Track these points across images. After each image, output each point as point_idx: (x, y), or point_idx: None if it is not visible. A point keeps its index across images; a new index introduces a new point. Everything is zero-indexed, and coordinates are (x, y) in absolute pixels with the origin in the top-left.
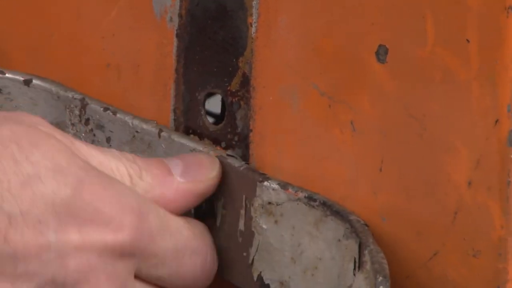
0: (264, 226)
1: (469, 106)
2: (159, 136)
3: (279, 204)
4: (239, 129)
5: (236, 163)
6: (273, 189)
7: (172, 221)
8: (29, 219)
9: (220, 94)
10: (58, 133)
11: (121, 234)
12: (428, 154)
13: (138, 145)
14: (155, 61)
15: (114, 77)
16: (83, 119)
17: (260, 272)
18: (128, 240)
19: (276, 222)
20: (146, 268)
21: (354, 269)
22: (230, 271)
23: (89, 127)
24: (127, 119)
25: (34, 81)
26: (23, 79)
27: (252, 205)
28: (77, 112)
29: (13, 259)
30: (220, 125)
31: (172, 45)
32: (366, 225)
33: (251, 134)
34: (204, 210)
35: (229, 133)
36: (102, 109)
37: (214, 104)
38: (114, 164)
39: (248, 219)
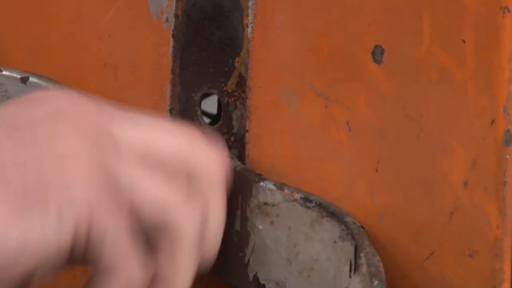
0: (260, 227)
1: (465, 106)
2: None
3: (275, 205)
4: (235, 129)
5: (232, 163)
6: (269, 190)
7: None
8: None
9: (216, 95)
10: None
11: None
12: (424, 154)
13: None
14: (151, 61)
15: (111, 77)
16: None
17: (256, 272)
18: None
19: (272, 222)
20: None
21: (350, 271)
22: (226, 271)
23: None
24: None
25: (31, 79)
26: (20, 76)
27: (248, 205)
28: None
29: None
30: (216, 126)
31: (168, 46)
32: (362, 227)
33: (247, 135)
34: None
35: (225, 134)
36: None
37: (210, 105)
38: None
39: (244, 219)
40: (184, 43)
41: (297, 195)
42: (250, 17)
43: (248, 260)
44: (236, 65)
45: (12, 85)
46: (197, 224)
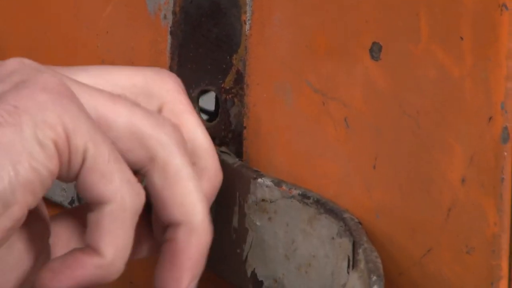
0: (258, 223)
1: (463, 103)
2: None
3: (272, 201)
4: (233, 126)
5: (230, 160)
6: (267, 186)
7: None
8: None
9: (214, 91)
10: None
11: None
12: (422, 151)
13: None
14: (149, 58)
15: None
16: None
17: (254, 268)
18: None
19: (270, 219)
20: None
21: (348, 267)
22: (224, 268)
23: None
24: None
25: None
26: None
27: (246, 202)
28: None
29: None
30: (214, 122)
31: (166, 43)
32: (360, 223)
33: (245, 131)
34: None
35: (223, 130)
36: None
37: (208, 101)
38: None
39: (242, 216)
40: (181, 40)
41: (295, 192)
42: (248, 14)
43: (246, 257)
44: (234, 62)
45: None
46: (182, 139)
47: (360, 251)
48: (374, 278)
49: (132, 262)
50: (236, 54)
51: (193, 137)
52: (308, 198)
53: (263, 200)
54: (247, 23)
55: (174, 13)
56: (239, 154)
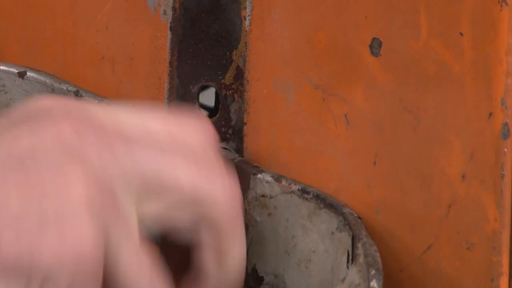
0: (258, 219)
1: (463, 99)
2: None
3: (272, 197)
4: (233, 122)
5: (230, 156)
6: (267, 182)
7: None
8: None
9: (214, 87)
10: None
11: None
12: (422, 148)
13: None
14: (149, 54)
15: (109, 70)
16: None
17: (254, 264)
18: None
19: (269, 214)
20: None
21: (348, 262)
22: None
23: None
24: None
25: (29, 73)
26: (17, 71)
27: (246, 197)
28: None
29: None
30: (214, 118)
31: (166, 38)
32: (359, 218)
33: (245, 127)
34: None
35: (223, 126)
36: (96, 101)
37: (208, 97)
38: None
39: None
40: (181, 35)
41: (294, 187)
42: (247, 10)
43: (247, 253)
44: (234, 57)
45: (9, 80)
46: (235, 197)
47: (359, 245)
48: (373, 271)
49: None
50: (236, 49)
51: (229, 253)
52: (308, 193)
53: (263, 195)
54: (247, 18)
55: (174, 8)
56: (239, 150)
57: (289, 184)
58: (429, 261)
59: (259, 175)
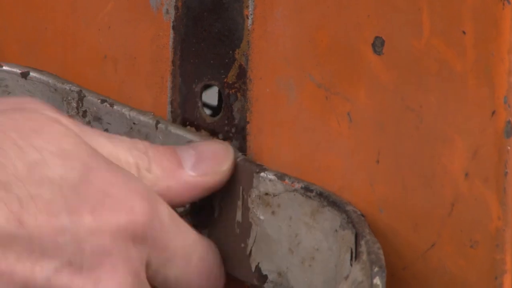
0: (262, 217)
1: (465, 97)
2: (156, 127)
3: (276, 195)
4: (236, 121)
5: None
6: (270, 180)
7: (180, 219)
8: (40, 203)
9: (217, 86)
10: (64, 119)
11: (133, 216)
12: (424, 146)
13: (135, 137)
14: (151, 53)
15: (111, 69)
16: (81, 111)
17: (258, 263)
18: (141, 222)
19: (273, 213)
20: (156, 264)
21: (351, 259)
22: (228, 262)
23: (87, 119)
24: (124, 111)
25: (31, 74)
26: (20, 71)
27: (249, 196)
28: (74, 105)
29: (30, 243)
30: (217, 117)
31: (168, 37)
32: (363, 215)
33: (248, 126)
34: (202, 202)
35: (226, 125)
36: (99, 101)
37: (211, 96)
38: (123, 155)
39: (246, 210)
40: (184, 34)
41: (297, 185)
42: (250, 8)
43: (250, 251)
44: (237, 56)
45: (12, 80)
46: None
47: (362, 242)
48: (376, 269)
49: None
50: (238, 48)
51: None
52: (311, 191)
53: (266, 194)
54: (250, 17)
55: (176, 7)
56: (242, 148)
57: (292, 182)
58: (432, 259)
59: (262, 174)
